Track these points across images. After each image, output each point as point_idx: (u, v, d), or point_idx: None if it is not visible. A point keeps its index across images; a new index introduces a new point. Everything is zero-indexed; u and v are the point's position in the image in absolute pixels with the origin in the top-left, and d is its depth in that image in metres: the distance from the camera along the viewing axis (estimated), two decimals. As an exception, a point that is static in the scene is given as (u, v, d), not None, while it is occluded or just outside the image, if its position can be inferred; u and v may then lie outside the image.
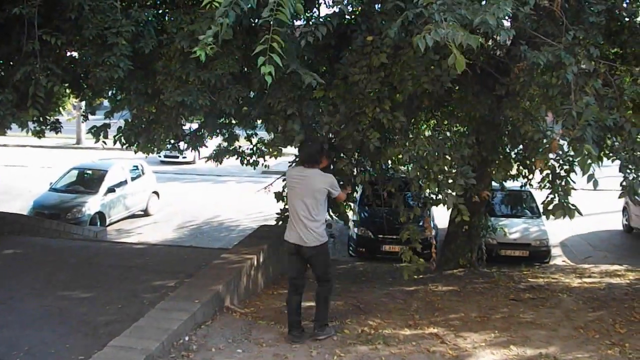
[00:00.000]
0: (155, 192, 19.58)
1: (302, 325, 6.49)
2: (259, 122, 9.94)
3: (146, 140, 9.33)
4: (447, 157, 7.65)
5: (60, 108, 11.50)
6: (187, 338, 5.99)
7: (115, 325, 6.46)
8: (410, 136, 8.34)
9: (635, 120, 6.51)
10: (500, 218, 14.04)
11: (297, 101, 7.65)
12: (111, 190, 17.15)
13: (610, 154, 7.44)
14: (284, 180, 10.17)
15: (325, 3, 8.81)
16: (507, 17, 5.82)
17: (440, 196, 7.82)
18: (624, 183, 6.53)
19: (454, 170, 7.52)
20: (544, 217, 7.86)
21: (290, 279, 6.57)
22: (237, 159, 10.83)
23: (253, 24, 7.35)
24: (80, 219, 15.70)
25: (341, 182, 7.50)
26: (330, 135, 8.01)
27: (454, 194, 7.31)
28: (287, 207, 9.83)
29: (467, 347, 6.39)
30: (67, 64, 8.59)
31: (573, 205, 6.79)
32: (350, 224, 13.89)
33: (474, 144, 8.21)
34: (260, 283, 8.38)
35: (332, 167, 7.53)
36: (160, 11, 8.46)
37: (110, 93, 9.80)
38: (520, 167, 10.28)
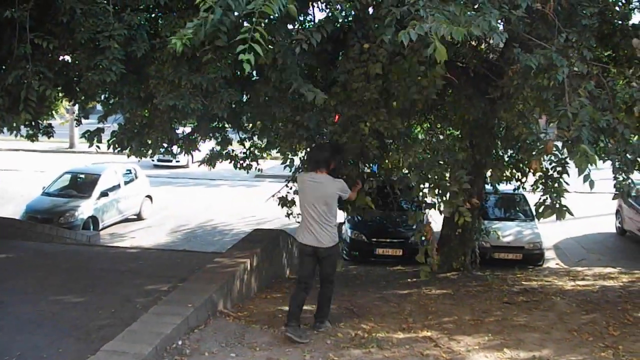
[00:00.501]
0: (149, 196, 19.55)
1: (301, 319, 6.69)
2: (251, 125, 9.97)
3: (139, 144, 9.29)
4: (442, 162, 7.69)
5: (53, 112, 11.47)
6: (180, 342, 5.96)
7: (108, 330, 6.42)
8: (409, 142, 8.36)
9: (628, 122, 6.53)
10: (493, 221, 14.09)
11: (301, 109, 7.73)
12: (104, 194, 17.10)
13: (603, 155, 7.46)
14: (286, 186, 10.25)
15: (318, 7, 8.80)
16: (500, 21, 5.84)
17: (438, 199, 7.85)
18: (616, 185, 6.58)
19: (448, 176, 7.56)
20: (537, 220, 7.88)
21: (302, 278, 6.79)
22: (230, 162, 10.82)
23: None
24: (73, 223, 15.66)
25: (349, 181, 7.53)
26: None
27: (452, 200, 7.36)
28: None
29: (460, 350, 6.39)
30: (59, 67, 8.54)
31: (564, 206, 6.80)
32: (344, 227, 13.93)
33: (467, 147, 8.24)
34: (253, 287, 8.36)
35: (338, 170, 7.54)
36: (153, 15, 8.42)
37: (103, 97, 9.78)
38: (514, 170, 10.30)
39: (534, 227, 14.08)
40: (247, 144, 11.08)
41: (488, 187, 11.35)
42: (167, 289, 7.89)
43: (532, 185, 7.94)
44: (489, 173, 10.04)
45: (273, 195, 10.28)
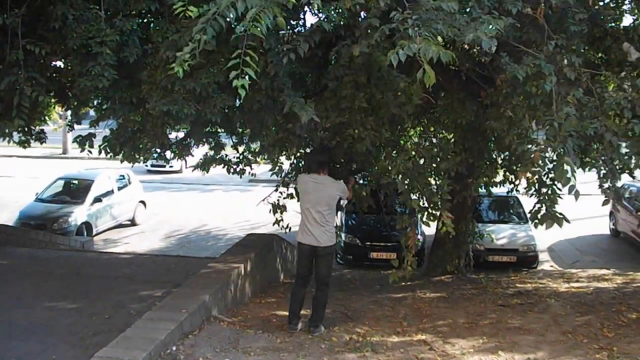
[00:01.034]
0: (142, 202, 19.48)
1: (301, 315, 6.97)
2: (241, 130, 9.99)
3: (132, 149, 9.29)
4: (429, 170, 7.78)
5: (46, 117, 11.44)
6: (174, 348, 5.95)
7: (102, 336, 6.41)
8: (393, 152, 8.43)
9: (616, 129, 6.54)
10: (487, 224, 14.10)
11: (292, 117, 7.72)
12: (98, 200, 17.07)
13: (593, 162, 7.50)
14: (276, 191, 10.24)
15: (310, 11, 8.78)
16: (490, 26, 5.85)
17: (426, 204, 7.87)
18: (599, 190, 6.64)
19: (433, 183, 7.64)
20: (531, 222, 7.89)
21: (301, 275, 7.07)
22: (223, 167, 10.80)
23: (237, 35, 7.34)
24: (67, 229, 15.62)
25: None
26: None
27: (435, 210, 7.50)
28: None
29: (455, 353, 6.40)
30: (51, 73, 8.55)
31: (560, 214, 6.82)
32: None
33: (461, 150, 8.26)
34: (247, 292, 8.35)
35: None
36: (145, 20, 8.42)
37: (95, 102, 9.76)
38: (507, 173, 10.32)
39: (528, 230, 14.07)
40: (241, 149, 11.07)
41: (481, 190, 11.38)
42: (161, 295, 7.88)
43: (525, 188, 7.95)
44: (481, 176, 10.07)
45: (263, 200, 10.28)
